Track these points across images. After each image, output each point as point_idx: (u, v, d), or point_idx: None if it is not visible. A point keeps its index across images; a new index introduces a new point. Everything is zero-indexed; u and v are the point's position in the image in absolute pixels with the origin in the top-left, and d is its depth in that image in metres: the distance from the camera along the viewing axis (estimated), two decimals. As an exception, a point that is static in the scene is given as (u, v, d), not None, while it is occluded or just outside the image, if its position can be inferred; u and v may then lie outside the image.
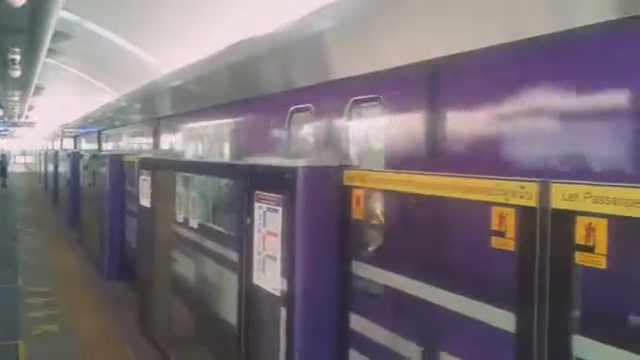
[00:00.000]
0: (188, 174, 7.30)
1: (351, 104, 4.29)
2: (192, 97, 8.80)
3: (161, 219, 7.14)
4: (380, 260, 3.69)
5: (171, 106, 9.94)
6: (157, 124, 10.51)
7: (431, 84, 3.57)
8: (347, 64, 4.52)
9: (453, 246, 3.26)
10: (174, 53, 20.45)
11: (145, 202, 7.39)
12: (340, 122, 4.45)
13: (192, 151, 8.35)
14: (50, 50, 21.21)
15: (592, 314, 2.32)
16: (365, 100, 4.15)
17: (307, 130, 5.06)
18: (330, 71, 4.70)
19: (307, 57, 5.21)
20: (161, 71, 17.43)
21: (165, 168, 7.18)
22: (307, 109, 4.98)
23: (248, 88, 6.47)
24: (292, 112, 5.23)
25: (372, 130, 4.18)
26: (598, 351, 2.21)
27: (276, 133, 5.64)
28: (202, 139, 8.12)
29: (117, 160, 10.65)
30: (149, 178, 7.20)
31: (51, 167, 23.81)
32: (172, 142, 9.58)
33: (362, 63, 4.25)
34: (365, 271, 3.76)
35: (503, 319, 2.63)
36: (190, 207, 7.14)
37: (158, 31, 22.32)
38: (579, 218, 2.18)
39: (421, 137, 3.56)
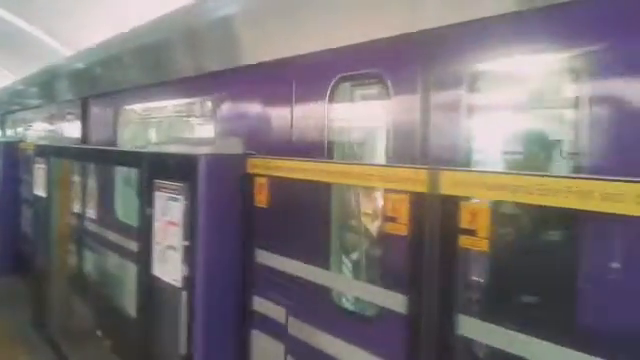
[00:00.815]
0: (87, 162, 6.98)
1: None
2: (147, 68, 6.25)
3: (57, 209, 6.81)
4: (280, 246, 3.69)
5: (113, 81, 7.32)
6: (85, 104, 8.17)
7: None
8: None
9: (351, 232, 3.32)
10: (76, 34, 19.41)
11: (40, 191, 7.02)
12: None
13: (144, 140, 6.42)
14: None
15: (476, 295, 2.44)
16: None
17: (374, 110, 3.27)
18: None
19: None
20: (63, 53, 16.47)
21: (62, 156, 6.83)
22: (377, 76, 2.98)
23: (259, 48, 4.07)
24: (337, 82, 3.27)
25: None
26: (481, 329, 2.34)
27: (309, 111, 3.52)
28: (160, 123, 6.41)
29: (10, 147, 10.17)
30: (45, 166, 6.84)
31: None
32: (114, 126, 6.99)
33: None
34: (266, 258, 3.75)
35: (397, 301, 2.71)
36: (89, 197, 6.81)
37: (57, 11, 21.10)
38: (463, 203, 2.28)
39: None
